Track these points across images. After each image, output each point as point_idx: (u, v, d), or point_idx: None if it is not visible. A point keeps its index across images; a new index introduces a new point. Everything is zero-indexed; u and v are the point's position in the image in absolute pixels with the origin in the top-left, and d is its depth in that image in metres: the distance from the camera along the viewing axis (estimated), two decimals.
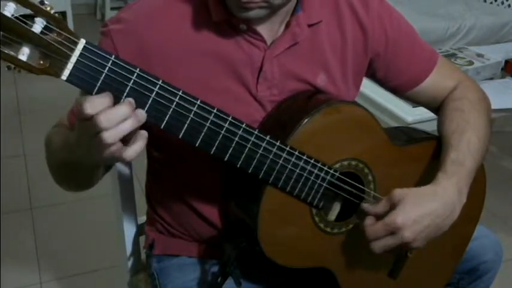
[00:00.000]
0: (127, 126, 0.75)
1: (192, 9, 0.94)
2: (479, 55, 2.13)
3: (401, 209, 0.92)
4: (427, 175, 0.99)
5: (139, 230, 1.27)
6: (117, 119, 0.74)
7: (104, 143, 0.74)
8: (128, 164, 1.20)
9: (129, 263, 1.28)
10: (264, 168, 0.90)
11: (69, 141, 0.85)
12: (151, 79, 0.78)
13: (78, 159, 0.86)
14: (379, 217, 0.94)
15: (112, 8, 4.46)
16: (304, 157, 0.93)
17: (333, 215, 1.06)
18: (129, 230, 1.25)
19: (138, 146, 0.78)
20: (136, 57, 0.89)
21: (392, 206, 0.93)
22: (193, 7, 0.94)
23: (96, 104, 0.73)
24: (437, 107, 1.15)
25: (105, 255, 2.02)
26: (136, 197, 1.25)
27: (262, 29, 0.95)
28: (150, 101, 0.78)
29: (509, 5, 3.67)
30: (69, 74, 0.73)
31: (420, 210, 0.93)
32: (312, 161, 0.94)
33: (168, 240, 1.14)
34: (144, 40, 0.92)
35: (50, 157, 1.00)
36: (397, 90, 1.15)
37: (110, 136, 0.74)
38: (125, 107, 0.75)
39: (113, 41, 0.92)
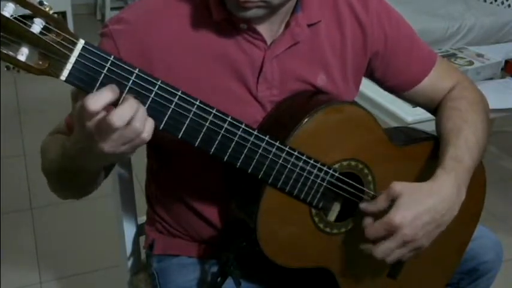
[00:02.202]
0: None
1: (192, 9, 0.94)
2: (479, 55, 2.13)
3: (399, 207, 0.92)
4: (427, 175, 0.99)
5: (139, 230, 1.27)
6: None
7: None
8: (128, 164, 1.20)
9: (129, 263, 1.28)
10: (264, 169, 0.90)
11: (71, 146, 0.84)
12: (150, 79, 0.78)
13: (81, 163, 0.85)
14: (378, 215, 0.94)
15: (112, 8, 4.46)
16: (304, 157, 0.93)
17: (332, 215, 1.05)
18: (129, 230, 1.25)
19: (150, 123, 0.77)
20: (138, 57, 0.89)
21: (392, 201, 0.93)
22: (193, 7, 0.94)
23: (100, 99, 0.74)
24: (435, 108, 1.15)
25: (105, 255, 2.02)
26: (136, 197, 1.25)
27: (262, 29, 0.95)
28: (149, 101, 0.78)
29: (509, 5, 3.67)
30: (68, 75, 0.73)
31: (419, 207, 0.93)
32: (312, 161, 0.94)
33: (168, 240, 1.14)
34: (144, 40, 0.92)
35: (47, 165, 0.98)
36: (395, 90, 1.15)
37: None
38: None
39: (115, 41, 0.92)
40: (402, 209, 0.92)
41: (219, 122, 0.84)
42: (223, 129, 0.85)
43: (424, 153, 1.09)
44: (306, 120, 0.92)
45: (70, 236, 2.23)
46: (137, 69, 0.77)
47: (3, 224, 2.24)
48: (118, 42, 0.91)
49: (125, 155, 0.80)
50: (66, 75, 0.73)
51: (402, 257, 0.95)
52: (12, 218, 2.30)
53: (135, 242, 1.27)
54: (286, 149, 0.91)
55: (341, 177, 0.98)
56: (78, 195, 1.02)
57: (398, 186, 0.93)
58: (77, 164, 0.86)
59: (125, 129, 0.74)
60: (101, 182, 0.99)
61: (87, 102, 0.73)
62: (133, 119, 0.75)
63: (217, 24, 0.94)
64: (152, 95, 0.78)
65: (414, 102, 1.18)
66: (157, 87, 0.78)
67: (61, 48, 0.72)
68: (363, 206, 0.97)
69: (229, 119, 0.85)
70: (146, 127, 0.76)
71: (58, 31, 0.72)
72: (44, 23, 0.71)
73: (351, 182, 1.00)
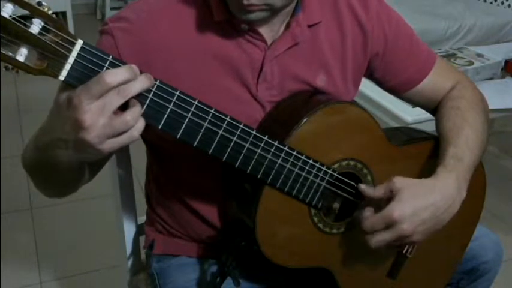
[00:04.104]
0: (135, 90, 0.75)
1: (193, 9, 0.94)
2: (479, 55, 2.13)
3: (399, 201, 0.92)
4: (427, 175, 0.99)
5: (139, 230, 1.27)
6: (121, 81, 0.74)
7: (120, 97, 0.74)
8: (128, 164, 1.20)
9: (129, 263, 1.28)
10: (263, 168, 0.90)
11: (45, 137, 0.82)
12: None
13: (53, 155, 0.82)
14: (376, 209, 0.94)
15: (112, 8, 4.47)
16: (303, 157, 0.93)
17: (332, 215, 1.05)
18: (129, 230, 1.26)
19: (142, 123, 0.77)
20: (137, 56, 0.89)
21: (391, 194, 0.93)
22: (194, 7, 0.94)
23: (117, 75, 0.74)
24: (434, 108, 1.15)
25: (105, 255, 2.03)
26: (136, 197, 1.25)
27: (263, 29, 0.95)
28: (147, 102, 0.78)
29: (509, 5, 3.67)
30: (67, 75, 0.73)
31: (419, 203, 0.93)
32: (310, 161, 0.94)
33: (168, 240, 1.15)
34: (145, 39, 0.92)
35: (26, 160, 0.96)
36: (395, 91, 1.15)
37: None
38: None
39: (114, 39, 0.91)
40: (402, 203, 0.92)
41: (217, 122, 0.84)
42: (222, 129, 0.85)
43: (423, 153, 1.09)
44: (305, 120, 0.92)
45: (70, 236, 2.24)
46: None
47: (3, 224, 2.24)
48: (118, 40, 0.91)
49: (103, 152, 0.76)
50: (64, 75, 0.73)
51: (396, 248, 0.97)
52: (12, 218, 2.30)
53: (135, 242, 1.27)
54: (285, 148, 0.91)
55: (340, 177, 0.98)
56: (58, 192, 1.01)
57: (399, 181, 0.94)
58: (46, 157, 0.84)
59: (115, 118, 0.73)
60: (83, 181, 0.97)
61: (104, 75, 0.72)
62: (128, 110, 0.74)
63: (218, 24, 0.94)
64: (150, 95, 0.78)
65: (414, 103, 1.18)
66: (155, 87, 0.78)
67: (59, 49, 0.72)
68: (362, 186, 0.98)
69: (227, 119, 0.85)
70: (138, 124, 0.75)
71: (56, 31, 0.72)
72: (42, 24, 0.71)
73: (350, 181, 1.00)
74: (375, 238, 0.93)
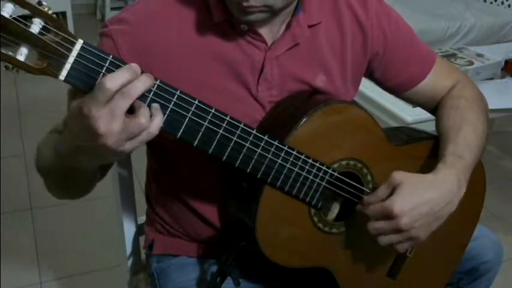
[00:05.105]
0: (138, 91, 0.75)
1: (193, 10, 0.94)
2: (479, 55, 2.13)
3: (399, 195, 0.92)
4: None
5: (139, 230, 1.27)
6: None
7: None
8: (128, 164, 1.20)
9: (129, 263, 1.28)
10: (263, 168, 0.90)
11: (65, 145, 0.83)
12: None
13: (74, 162, 0.83)
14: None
15: (112, 8, 4.46)
16: (303, 157, 0.93)
17: (332, 215, 1.06)
18: (129, 230, 1.26)
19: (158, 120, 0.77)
20: (137, 57, 0.89)
21: (392, 190, 0.94)
22: (194, 8, 0.94)
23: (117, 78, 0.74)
24: (435, 108, 1.15)
25: (105, 255, 2.02)
26: (136, 197, 1.25)
27: (263, 30, 0.95)
28: (147, 102, 0.78)
29: (509, 5, 3.67)
30: (67, 75, 0.73)
31: (418, 198, 0.93)
32: (310, 161, 0.94)
33: (168, 240, 1.15)
34: (144, 41, 0.92)
35: (40, 164, 0.98)
36: (395, 91, 1.15)
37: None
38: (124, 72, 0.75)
39: (114, 41, 0.91)
40: (402, 197, 0.92)
41: (217, 122, 0.84)
42: (222, 129, 0.85)
43: (423, 152, 1.09)
44: (304, 119, 0.92)
45: (70, 236, 2.24)
46: None
47: (3, 224, 2.24)
48: (118, 42, 0.91)
49: (125, 153, 0.77)
50: (64, 75, 0.73)
51: (396, 245, 0.96)
52: (12, 218, 2.30)
53: (135, 242, 1.28)
54: (285, 148, 0.91)
55: (340, 176, 0.98)
56: (73, 195, 1.01)
57: (399, 175, 0.94)
58: (69, 163, 0.85)
59: (129, 122, 0.74)
60: (96, 182, 0.98)
61: (103, 81, 0.72)
62: (139, 113, 0.75)
63: (218, 25, 0.94)
64: (151, 95, 0.78)
65: (414, 102, 1.18)
66: (156, 87, 0.78)
67: (60, 48, 0.72)
68: (366, 198, 0.98)
69: (227, 119, 0.85)
70: (153, 122, 0.76)
71: (57, 31, 0.72)
72: (42, 23, 0.71)
73: (350, 181, 1.00)
74: (374, 225, 0.94)
